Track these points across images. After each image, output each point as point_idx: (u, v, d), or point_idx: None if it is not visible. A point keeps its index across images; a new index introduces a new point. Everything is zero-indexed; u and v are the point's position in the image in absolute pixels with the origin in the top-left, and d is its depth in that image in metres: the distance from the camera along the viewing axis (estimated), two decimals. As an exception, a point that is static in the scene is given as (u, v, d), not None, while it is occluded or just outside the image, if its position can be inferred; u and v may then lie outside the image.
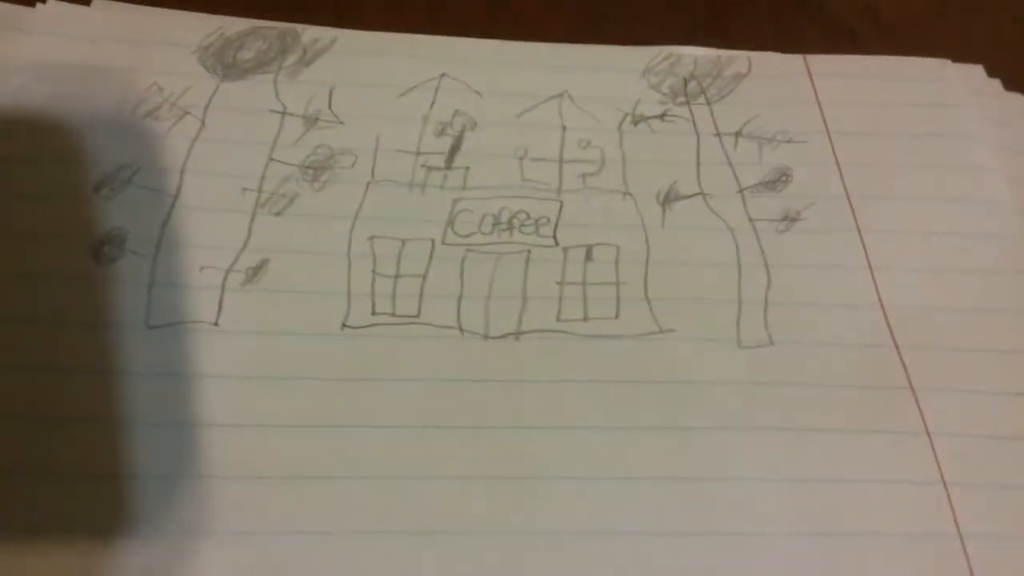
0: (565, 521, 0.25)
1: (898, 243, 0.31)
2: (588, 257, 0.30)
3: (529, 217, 0.30)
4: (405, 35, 0.35)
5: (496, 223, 0.30)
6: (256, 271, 0.28)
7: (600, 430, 0.26)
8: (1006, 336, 0.29)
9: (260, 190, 0.30)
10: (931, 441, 0.27)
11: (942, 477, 0.26)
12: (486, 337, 0.28)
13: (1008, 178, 0.33)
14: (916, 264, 0.30)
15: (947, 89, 0.35)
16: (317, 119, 0.32)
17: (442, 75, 0.34)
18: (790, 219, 0.31)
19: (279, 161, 0.31)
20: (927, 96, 0.35)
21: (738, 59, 0.35)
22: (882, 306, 0.29)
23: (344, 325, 0.27)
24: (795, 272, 0.30)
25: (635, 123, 0.33)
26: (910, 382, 0.28)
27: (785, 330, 0.28)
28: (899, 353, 0.28)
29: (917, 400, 0.27)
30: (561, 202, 0.31)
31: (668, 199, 0.31)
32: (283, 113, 0.32)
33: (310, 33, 0.34)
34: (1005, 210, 0.32)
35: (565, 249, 0.30)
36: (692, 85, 0.35)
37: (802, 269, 0.30)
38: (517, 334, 0.28)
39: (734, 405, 0.27)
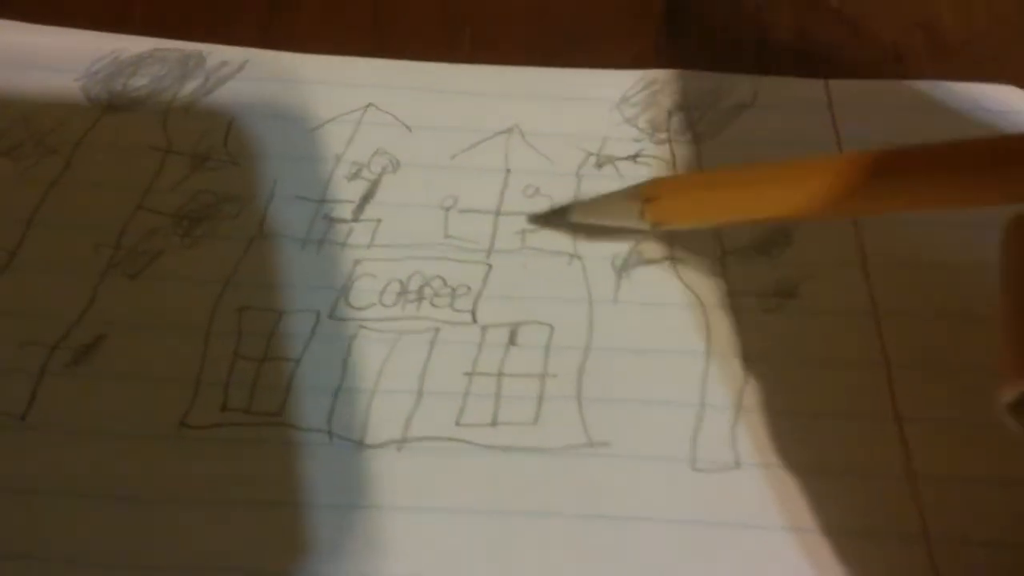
0: None
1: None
2: (512, 340, 0.23)
3: (446, 285, 0.24)
4: (330, 57, 0.29)
5: (403, 292, 0.24)
6: (88, 350, 0.23)
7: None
8: None
9: (117, 246, 0.24)
10: None
11: None
12: (360, 444, 0.21)
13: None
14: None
15: (1017, 122, 0.27)
16: (207, 158, 0.26)
17: (368, 105, 0.28)
18: (783, 294, 0.24)
19: (148, 210, 0.25)
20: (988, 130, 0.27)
21: (740, 85, 0.28)
22: (897, 417, 0.22)
23: (183, 423, 0.21)
24: (783, 366, 0.23)
25: (599, 166, 0.27)
26: (927, 531, 0.20)
27: (758, 449, 0.21)
28: (917, 484, 0.21)
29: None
30: (489, 266, 0.24)
31: (627, 264, 0.25)
32: (167, 151, 0.26)
33: (218, 55, 0.29)
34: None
35: (484, 328, 0.23)
36: (678, 118, 0.28)
37: (795, 363, 0.23)
38: (401, 442, 0.21)
39: (677, 552, 0.20)
